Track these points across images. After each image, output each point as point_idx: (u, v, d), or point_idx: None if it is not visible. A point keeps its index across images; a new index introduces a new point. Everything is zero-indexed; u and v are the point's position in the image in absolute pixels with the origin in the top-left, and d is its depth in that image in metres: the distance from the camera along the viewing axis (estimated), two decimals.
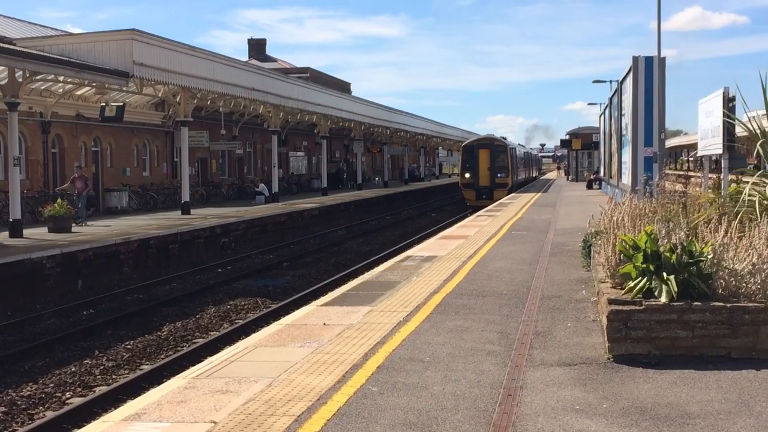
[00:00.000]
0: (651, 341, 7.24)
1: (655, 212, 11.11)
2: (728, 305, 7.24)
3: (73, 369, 12.38)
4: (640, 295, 7.44)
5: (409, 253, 16.98)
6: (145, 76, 26.98)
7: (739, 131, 13.29)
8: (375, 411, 6.03)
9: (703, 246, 7.70)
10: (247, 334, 12.74)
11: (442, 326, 8.99)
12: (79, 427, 8.63)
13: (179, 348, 13.79)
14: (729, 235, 8.19)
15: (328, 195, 45.52)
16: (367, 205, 44.76)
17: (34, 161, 29.63)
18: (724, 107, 12.85)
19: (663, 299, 7.24)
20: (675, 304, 7.22)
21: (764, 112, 10.84)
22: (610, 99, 31.13)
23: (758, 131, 10.79)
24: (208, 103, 36.95)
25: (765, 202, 10.44)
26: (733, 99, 12.85)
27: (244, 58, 64.12)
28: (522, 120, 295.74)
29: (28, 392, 11.19)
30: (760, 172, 11.27)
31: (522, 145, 75.31)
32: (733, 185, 12.52)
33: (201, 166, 42.68)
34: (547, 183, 64.39)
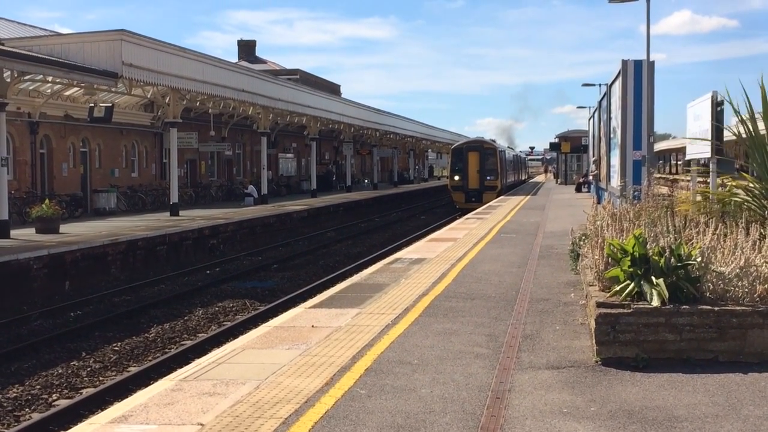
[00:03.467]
0: (639, 344, 7.25)
1: (639, 216, 11.14)
2: (716, 309, 7.26)
3: (60, 371, 12.31)
4: (628, 299, 7.45)
5: (398, 255, 16.97)
6: (134, 77, 26.93)
7: (728, 135, 13.33)
8: (363, 413, 6.02)
9: (692, 249, 7.71)
10: (235, 336, 12.71)
11: (430, 329, 8.98)
12: (66, 429, 8.61)
13: (167, 350, 13.74)
14: (716, 237, 8.22)
15: (317, 197, 45.49)
16: (356, 208, 44.73)
17: (21, 162, 29.50)
18: (712, 111, 12.87)
19: (654, 303, 7.25)
20: (663, 307, 7.24)
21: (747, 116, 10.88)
22: (599, 102, 31.17)
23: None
24: (197, 104, 36.89)
25: (752, 206, 10.50)
26: (721, 103, 12.87)
27: (234, 59, 64.00)
28: (512, 123, 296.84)
29: (15, 394, 11.12)
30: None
31: (511, 148, 75.39)
32: (720, 189, 12.56)
33: (190, 167, 42.58)
34: (536, 186, 64.45)
